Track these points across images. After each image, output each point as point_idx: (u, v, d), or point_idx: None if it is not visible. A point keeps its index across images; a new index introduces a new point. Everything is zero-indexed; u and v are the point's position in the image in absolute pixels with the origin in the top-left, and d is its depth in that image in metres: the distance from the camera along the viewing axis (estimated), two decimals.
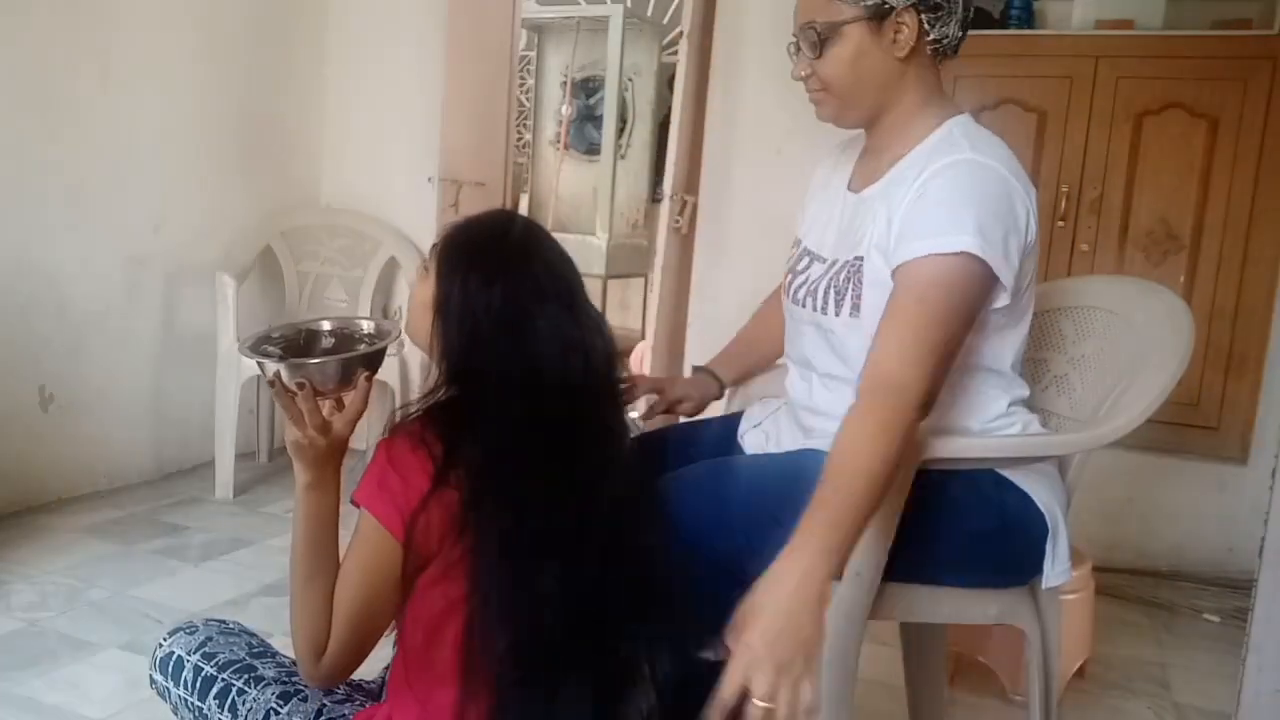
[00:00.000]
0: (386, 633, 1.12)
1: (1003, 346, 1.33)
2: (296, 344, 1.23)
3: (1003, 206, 1.22)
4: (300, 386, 1.08)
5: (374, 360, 1.16)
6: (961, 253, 1.17)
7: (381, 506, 1.04)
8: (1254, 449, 2.79)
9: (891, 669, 1.90)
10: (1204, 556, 2.89)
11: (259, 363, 1.14)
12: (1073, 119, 2.86)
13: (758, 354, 1.65)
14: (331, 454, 1.11)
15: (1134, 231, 2.85)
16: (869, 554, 1.22)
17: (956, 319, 1.19)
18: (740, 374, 1.66)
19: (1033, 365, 1.63)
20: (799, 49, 1.33)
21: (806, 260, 1.43)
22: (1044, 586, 1.37)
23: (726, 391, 1.66)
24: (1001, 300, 1.25)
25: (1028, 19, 3.00)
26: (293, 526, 1.11)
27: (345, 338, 1.26)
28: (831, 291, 1.33)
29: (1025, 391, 1.39)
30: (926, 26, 1.28)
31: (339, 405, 1.13)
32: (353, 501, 1.07)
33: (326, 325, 1.28)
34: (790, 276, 1.46)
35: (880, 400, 1.15)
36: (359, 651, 1.09)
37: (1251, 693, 1.56)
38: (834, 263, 1.35)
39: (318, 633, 1.07)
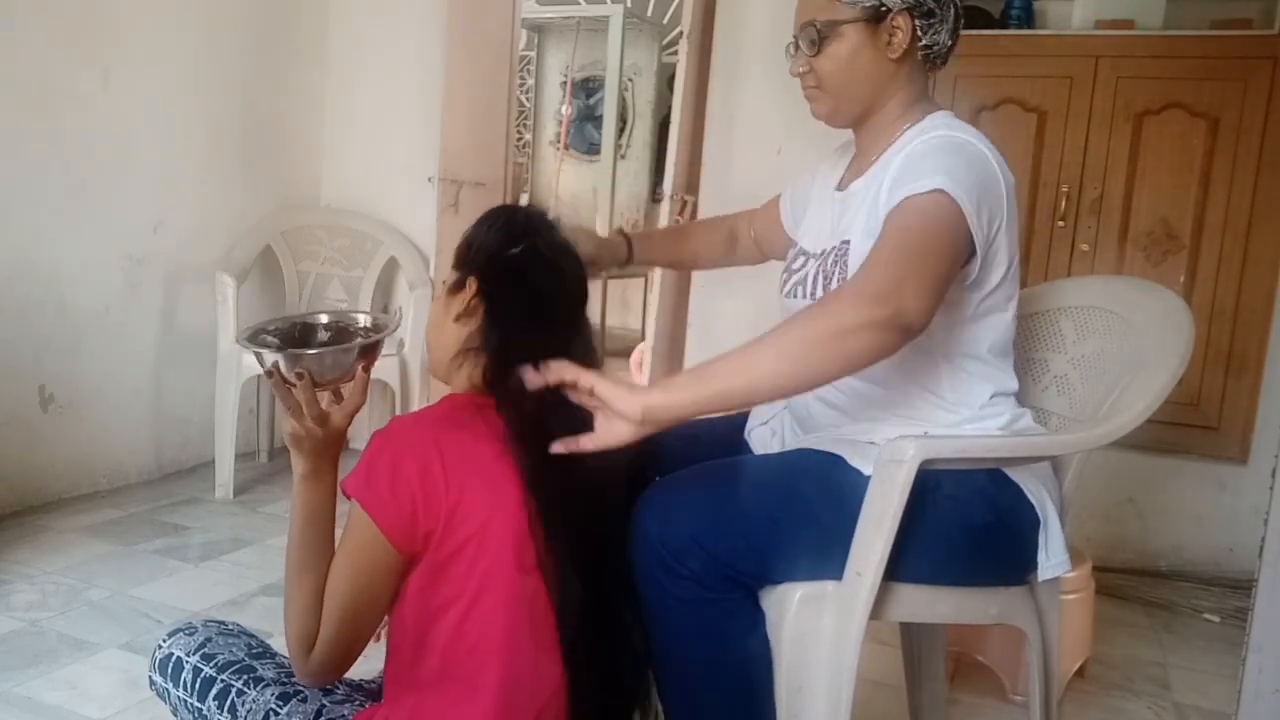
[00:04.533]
0: (376, 638, 1.13)
1: (981, 334, 1.34)
2: (292, 337, 1.23)
3: (977, 171, 1.24)
4: (299, 377, 1.09)
5: (372, 352, 1.17)
6: (935, 190, 1.19)
7: (372, 499, 1.05)
8: (1254, 449, 2.79)
9: (891, 669, 1.90)
10: (1204, 556, 2.89)
11: (256, 353, 1.14)
12: (1073, 119, 2.86)
13: (681, 246, 1.67)
14: (329, 445, 1.12)
15: (1134, 231, 2.85)
16: (869, 554, 1.22)
17: (937, 241, 1.18)
18: (655, 255, 1.65)
19: (1033, 365, 1.63)
20: (797, 47, 1.38)
21: (802, 260, 1.46)
22: (1040, 578, 1.37)
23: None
24: (972, 269, 1.26)
25: (1028, 19, 3.00)
26: (290, 519, 1.12)
27: (342, 331, 1.26)
28: (820, 277, 1.37)
29: (1013, 384, 1.40)
30: (919, 32, 1.34)
31: (337, 396, 1.14)
32: (343, 491, 1.08)
33: (323, 319, 1.28)
34: (786, 275, 1.49)
35: (857, 302, 1.10)
36: (348, 648, 1.09)
37: (1251, 693, 1.56)
38: (823, 252, 1.40)
39: (308, 624, 1.07)
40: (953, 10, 1.36)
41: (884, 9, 1.32)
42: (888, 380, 1.32)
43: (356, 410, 1.14)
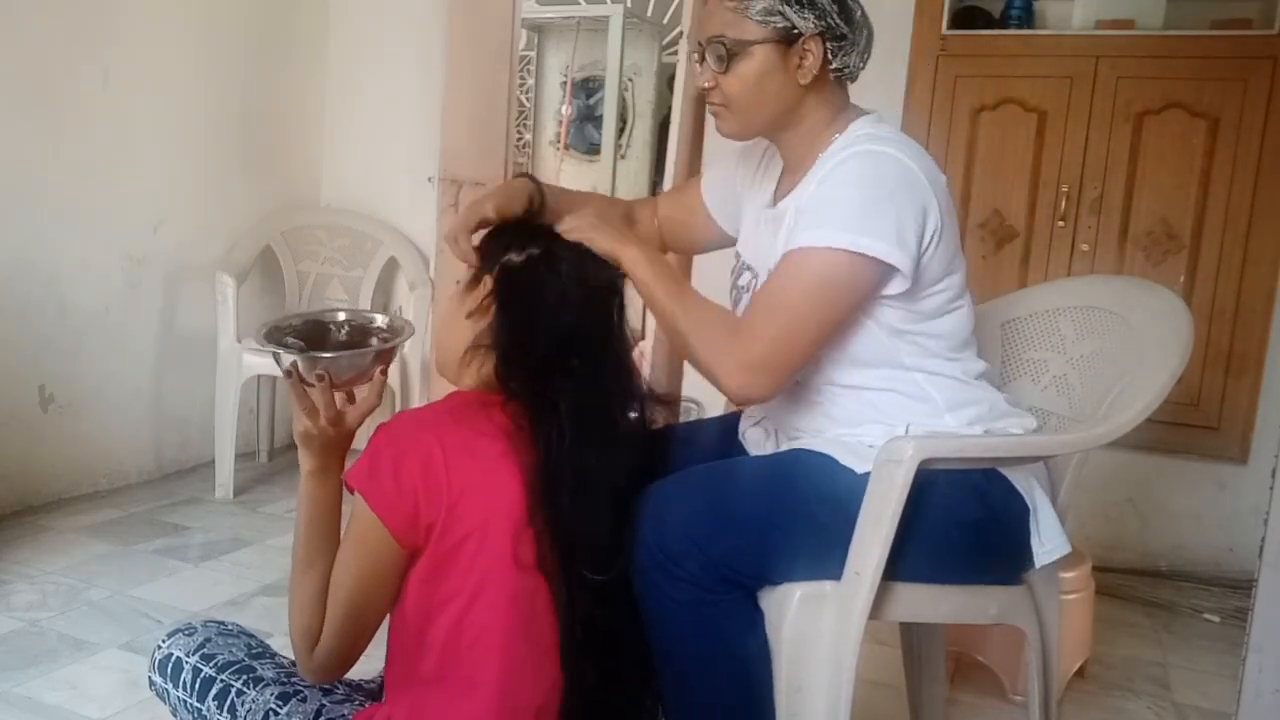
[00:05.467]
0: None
1: (939, 331, 1.34)
2: (308, 335, 1.24)
3: (893, 193, 1.24)
4: (319, 379, 1.10)
5: (389, 355, 1.18)
6: (828, 248, 1.21)
7: (375, 492, 1.05)
8: (1254, 449, 2.79)
9: (891, 669, 1.90)
10: (1204, 556, 2.89)
11: (274, 352, 1.14)
12: (1073, 119, 2.86)
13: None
14: (339, 443, 1.13)
15: (1134, 231, 2.85)
16: (868, 553, 1.22)
17: (812, 312, 1.23)
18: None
19: (1033, 365, 1.63)
20: (703, 59, 1.35)
21: (748, 275, 1.46)
22: (1038, 564, 1.37)
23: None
24: (898, 286, 1.26)
25: (1028, 19, 3.00)
26: (296, 514, 1.13)
27: (358, 330, 1.27)
28: None
29: (979, 366, 1.40)
30: (830, 55, 1.31)
31: (349, 397, 1.15)
32: (346, 484, 1.09)
33: (340, 316, 1.29)
34: (735, 292, 1.49)
35: (727, 338, 1.24)
36: (353, 643, 1.10)
37: (1251, 693, 1.56)
38: (760, 274, 1.40)
39: (312, 620, 1.08)
40: (865, 32, 1.35)
41: (795, 32, 1.29)
42: (863, 381, 1.33)
43: (370, 411, 1.15)
